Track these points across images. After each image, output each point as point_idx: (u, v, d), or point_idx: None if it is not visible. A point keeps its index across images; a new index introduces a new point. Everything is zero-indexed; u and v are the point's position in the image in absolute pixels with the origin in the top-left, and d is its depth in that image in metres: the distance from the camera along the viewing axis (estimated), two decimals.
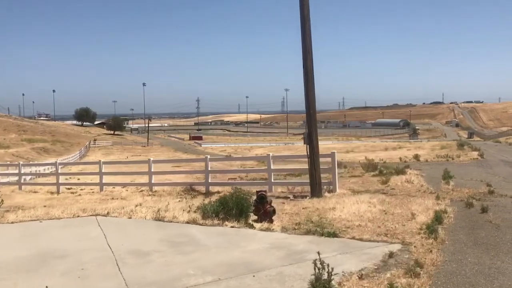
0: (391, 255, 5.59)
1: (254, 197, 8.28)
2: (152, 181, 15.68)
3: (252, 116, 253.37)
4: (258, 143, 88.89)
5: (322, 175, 11.80)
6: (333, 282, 4.50)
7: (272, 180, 13.29)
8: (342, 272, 5.02)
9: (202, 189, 14.47)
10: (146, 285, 4.92)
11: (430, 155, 27.39)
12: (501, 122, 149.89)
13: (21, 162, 22.31)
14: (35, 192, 18.14)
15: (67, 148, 71.86)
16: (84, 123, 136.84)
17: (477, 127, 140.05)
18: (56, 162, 21.16)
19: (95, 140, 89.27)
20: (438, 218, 7.46)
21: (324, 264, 4.46)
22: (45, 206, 11.76)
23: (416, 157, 24.63)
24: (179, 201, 11.63)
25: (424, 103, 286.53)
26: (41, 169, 27.04)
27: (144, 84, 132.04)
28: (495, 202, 9.21)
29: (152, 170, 15.70)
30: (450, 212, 8.14)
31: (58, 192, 17.35)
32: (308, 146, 11.73)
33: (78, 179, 21.97)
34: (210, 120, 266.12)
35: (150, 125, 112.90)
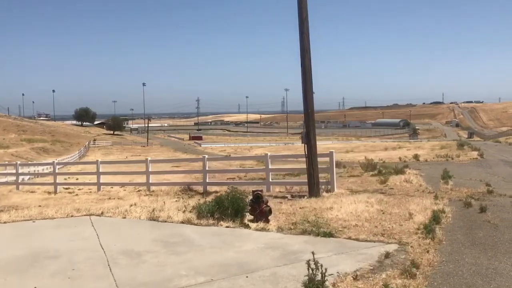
0: (387, 255, 5.50)
1: (251, 197, 8.18)
2: (150, 181, 15.62)
3: (252, 116, 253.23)
4: (258, 143, 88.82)
5: (320, 175, 11.72)
6: (327, 283, 4.41)
7: (270, 180, 13.21)
8: (337, 272, 4.94)
9: (200, 189, 14.39)
10: (137, 286, 4.83)
11: (430, 155, 27.30)
12: (501, 122, 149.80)
13: (18, 162, 22.22)
14: (32, 192, 18.06)
15: (67, 148, 71.80)
16: (84, 123, 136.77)
17: (477, 127, 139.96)
18: (53, 162, 21.07)
19: (94, 140, 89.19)
20: (435, 218, 7.37)
21: (318, 265, 4.38)
22: (40, 206, 11.68)
23: (416, 157, 24.54)
24: (176, 201, 11.54)
25: (424, 103, 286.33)
26: (39, 169, 26.94)
27: (144, 84, 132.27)
28: (494, 202, 9.11)
29: (150, 170, 15.64)
30: (448, 212, 8.04)
31: (55, 192, 17.26)
32: (305, 145, 11.63)
33: (77, 179, 21.86)
34: (210, 120, 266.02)
35: (150, 125, 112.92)
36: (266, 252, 5.92)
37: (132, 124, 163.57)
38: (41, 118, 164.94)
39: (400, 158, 24.94)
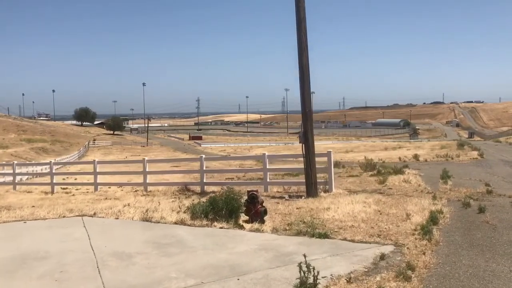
0: (382, 257, 5.38)
1: (246, 197, 8.06)
2: (147, 181, 15.49)
3: (252, 116, 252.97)
4: (258, 143, 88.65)
5: (318, 175, 11.60)
6: (319, 286, 4.29)
7: (268, 180, 13.09)
8: (331, 275, 4.81)
9: (198, 189, 14.26)
10: None
11: (430, 155, 27.16)
12: (501, 122, 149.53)
13: (15, 162, 22.10)
14: (29, 192, 17.93)
15: (67, 148, 71.70)
16: (84, 123, 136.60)
17: (477, 127, 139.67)
18: (50, 162, 20.94)
19: (94, 140, 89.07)
20: (433, 218, 7.24)
21: (310, 267, 4.26)
22: (33, 206, 11.54)
23: (416, 157, 24.42)
24: (172, 201, 11.40)
25: (424, 103, 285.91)
26: (37, 169, 26.82)
27: (144, 84, 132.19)
28: (493, 202, 8.98)
29: (147, 170, 15.51)
30: (446, 213, 7.92)
31: (52, 192, 17.14)
32: (303, 145, 11.51)
33: (75, 179, 21.76)
34: (210, 120, 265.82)
35: (150, 125, 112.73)
36: (260, 254, 5.80)
37: (132, 124, 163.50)
38: (41, 118, 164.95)
39: (400, 158, 24.83)
